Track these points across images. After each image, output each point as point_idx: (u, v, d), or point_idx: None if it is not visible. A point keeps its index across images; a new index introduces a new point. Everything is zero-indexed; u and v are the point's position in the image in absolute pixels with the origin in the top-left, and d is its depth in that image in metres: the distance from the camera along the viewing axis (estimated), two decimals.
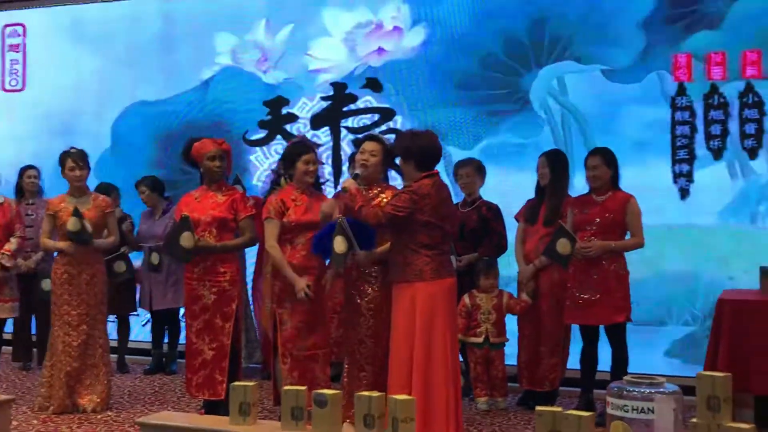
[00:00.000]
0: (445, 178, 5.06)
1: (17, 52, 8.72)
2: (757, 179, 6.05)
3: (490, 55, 6.69)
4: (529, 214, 5.82)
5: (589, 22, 6.40)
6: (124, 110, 8.09)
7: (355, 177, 4.84)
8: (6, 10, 8.78)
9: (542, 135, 6.54)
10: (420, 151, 4.59)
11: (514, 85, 6.62)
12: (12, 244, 5.69)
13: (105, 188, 6.91)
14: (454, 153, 6.62)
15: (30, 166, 7.26)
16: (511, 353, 5.85)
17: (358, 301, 4.89)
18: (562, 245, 5.26)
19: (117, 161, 8.01)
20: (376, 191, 4.94)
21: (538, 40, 6.55)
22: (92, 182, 7.53)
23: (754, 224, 6.00)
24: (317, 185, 5.38)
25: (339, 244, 4.68)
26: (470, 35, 6.78)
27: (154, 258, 6.82)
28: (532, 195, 5.86)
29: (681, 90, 6.20)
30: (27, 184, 7.15)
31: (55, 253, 5.75)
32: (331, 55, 7.30)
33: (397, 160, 4.82)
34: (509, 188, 6.15)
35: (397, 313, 4.57)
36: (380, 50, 7.09)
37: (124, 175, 7.52)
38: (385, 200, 4.79)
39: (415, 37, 6.97)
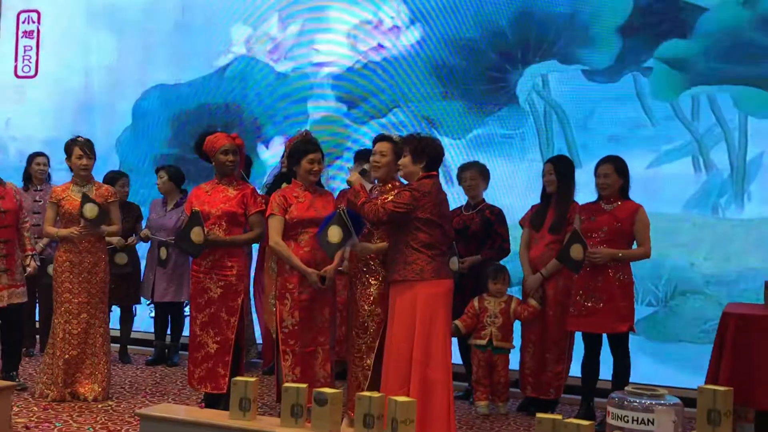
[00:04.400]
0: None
1: (31, 38, 8.75)
2: (719, 173, 6.41)
3: (481, 52, 7.11)
4: (534, 220, 5.81)
5: (573, 26, 6.84)
6: (144, 92, 8.32)
7: (362, 172, 4.85)
8: None
9: (526, 127, 6.98)
10: (433, 152, 4.68)
11: (503, 81, 7.05)
12: (38, 244, 5.80)
13: (113, 176, 6.93)
14: (445, 141, 7.12)
15: (39, 153, 7.25)
16: (513, 359, 5.85)
17: (354, 292, 4.90)
18: (576, 250, 5.24)
19: (137, 140, 8.31)
20: (389, 187, 4.94)
21: (525, 40, 6.99)
22: (113, 161, 7.83)
23: (715, 215, 6.40)
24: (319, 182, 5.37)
25: (334, 234, 4.69)
26: (464, 34, 7.18)
27: (162, 253, 6.83)
28: (516, 182, 6.27)
29: None
30: (36, 171, 7.14)
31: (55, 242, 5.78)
32: (334, 50, 7.64)
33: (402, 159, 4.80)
34: (495, 176, 6.43)
35: (395, 313, 4.59)
36: (380, 46, 7.44)
37: (143, 153, 8.21)
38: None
39: (412, 35, 7.35)
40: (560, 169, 5.74)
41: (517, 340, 5.85)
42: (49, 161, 7.22)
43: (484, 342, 5.75)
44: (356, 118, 7.51)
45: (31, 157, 7.22)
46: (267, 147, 7.77)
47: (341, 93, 7.57)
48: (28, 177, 7.15)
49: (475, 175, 6.09)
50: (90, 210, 5.50)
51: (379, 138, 5.12)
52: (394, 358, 4.55)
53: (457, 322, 5.60)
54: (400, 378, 4.50)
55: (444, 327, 4.57)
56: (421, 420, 4.33)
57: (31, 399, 5.55)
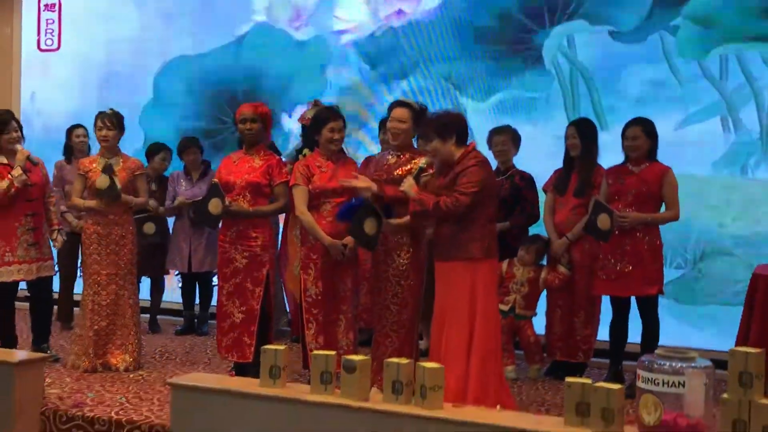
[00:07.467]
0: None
1: (53, 11, 8.75)
2: (748, 134, 6.29)
3: (506, 12, 7.00)
4: (558, 184, 5.76)
5: None
6: (165, 64, 8.28)
7: (419, 172, 4.70)
8: None
9: (551, 90, 6.86)
10: (457, 123, 4.54)
11: (528, 41, 6.94)
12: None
13: (155, 149, 6.98)
14: (469, 105, 7.04)
15: (77, 125, 7.16)
16: (538, 324, 5.84)
17: (385, 267, 4.88)
18: (603, 221, 5.17)
19: (160, 113, 8.27)
20: (408, 156, 4.91)
21: (552, 0, 6.85)
22: (138, 135, 7.83)
23: (744, 176, 6.31)
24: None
25: (370, 226, 4.63)
26: None
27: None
28: (541, 145, 6.24)
29: None
30: (76, 143, 7.07)
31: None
32: (354, 16, 7.57)
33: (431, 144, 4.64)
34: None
35: (458, 291, 4.47)
36: (400, 12, 7.38)
37: (166, 125, 8.09)
38: (415, 166, 4.75)
39: None
40: (583, 132, 5.66)
41: (542, 304, 5.82)
42: (88, 132, 7.02)
43: (506, 308, 5.72)
44: (379, 83, 7.43)
45: (70, 130, 7.15)
46: (290, 116, 7.74)
47: (363, 58, 7.49)
48: (69, 150, 7.10)
49: (506, 140, 6.01)
50: (100, 181, 5.51)
51: (397, 104, 5.01)
52: (455, 334, 4.45)
53: None
54: (461, 352, 4.43)
55: (496, 299, 4.75)
56: (479, 392, 4.34)
57: (63, 370, 5.62)
